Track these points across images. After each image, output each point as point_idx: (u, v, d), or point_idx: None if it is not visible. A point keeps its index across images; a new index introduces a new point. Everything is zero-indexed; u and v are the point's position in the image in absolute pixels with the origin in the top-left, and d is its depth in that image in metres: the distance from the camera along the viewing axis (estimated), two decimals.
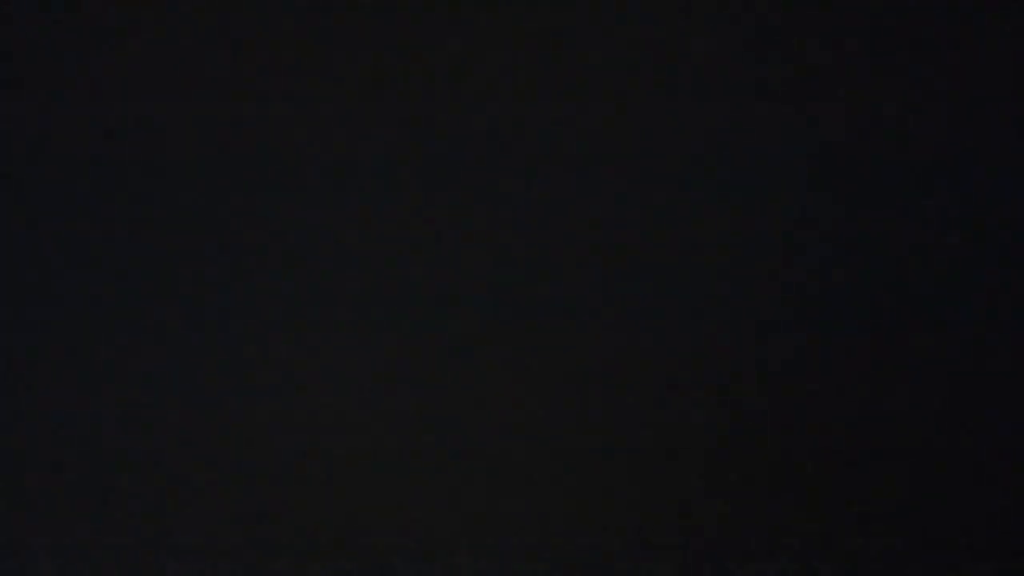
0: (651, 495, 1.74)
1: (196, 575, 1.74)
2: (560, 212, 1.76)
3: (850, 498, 1.74)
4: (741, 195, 1.76)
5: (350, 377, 1.76)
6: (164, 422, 1.75)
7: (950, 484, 1.74)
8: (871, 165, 1.77)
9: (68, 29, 1.78)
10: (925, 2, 1.78)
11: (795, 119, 1.77)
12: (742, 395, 1.74)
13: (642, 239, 1.76)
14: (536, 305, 1.76)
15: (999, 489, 1.74)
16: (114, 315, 1.76)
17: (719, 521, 1.74)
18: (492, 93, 1.78)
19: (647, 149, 1.77)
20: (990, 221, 1.76)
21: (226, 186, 1.77)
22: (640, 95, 1.77)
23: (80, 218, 1.77)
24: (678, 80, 1.77)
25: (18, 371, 1.75)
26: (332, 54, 1.78)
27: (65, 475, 1.75)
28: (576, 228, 1.76)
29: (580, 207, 1.76)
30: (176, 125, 1.78)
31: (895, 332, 1.75)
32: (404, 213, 1.77)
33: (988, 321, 1.75)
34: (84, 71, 1.78)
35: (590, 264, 1.76)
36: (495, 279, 1.76)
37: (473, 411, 1.75)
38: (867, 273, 1.76)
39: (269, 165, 1.78)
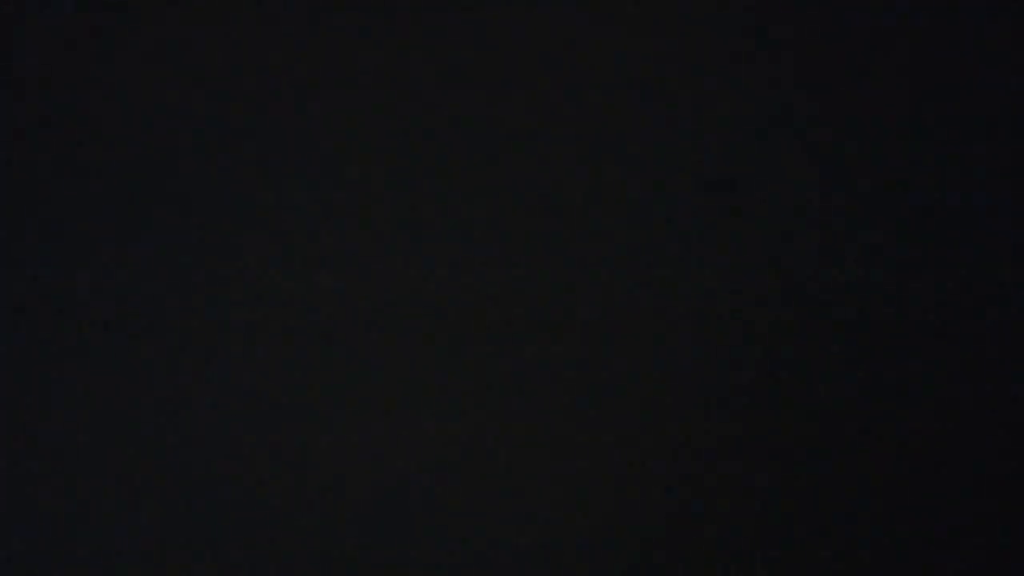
0: (654, 498, 1.74)
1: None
2: (560, 212, 1.77)
3: (849, 499, 1.74)
4: (740, 194, 1.76)
5: (350, 379, 1.76)
6: (164, 424, 1.76)
7: (949, 484, 1.74)
8: (868, 166, 1.77)
9: (69, 29, 1.79)
10: (924, 2, 1.78)
11: (793, 118, 1.77)
12: (742, 395, 1.74)
13: (643, 238, 1.76)
14: (535, 305, 1.76)
15: (999, 489, 1.74)
16: (114, 317, 1.77)
17: (718, 524, 1.74)
18: (491, 92, 1.78)
19: (646, 148, 1.77)
20: (990, 220, 1.76)
21: (225, 185, 1.78)
22: (639, 94, 1.77)
23: (81, 218, 1.77)
24: (677, 78, 1.77)
25: (19, 371, 1.76)
26: (331, 53, 1.78)
27: (65, 476, 1.75)
28: (574, 227, 1.76)
29: (579, 207, 1.76)
30: (176, 126, 1.78)
31: (894, 332, 1.75)
32: (404, 213, 1.77)
33: (988, 321, 1.75)
34: (83, 71, 1.78)
35: (589, 263, 1.76)
36: (494, 279, 1.76)
37: (471, 411, 1.75)
38: (865, 272, 1.76)
39: (268, 164, 1.78)
